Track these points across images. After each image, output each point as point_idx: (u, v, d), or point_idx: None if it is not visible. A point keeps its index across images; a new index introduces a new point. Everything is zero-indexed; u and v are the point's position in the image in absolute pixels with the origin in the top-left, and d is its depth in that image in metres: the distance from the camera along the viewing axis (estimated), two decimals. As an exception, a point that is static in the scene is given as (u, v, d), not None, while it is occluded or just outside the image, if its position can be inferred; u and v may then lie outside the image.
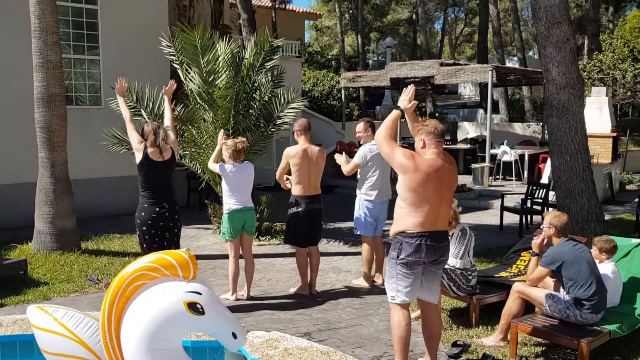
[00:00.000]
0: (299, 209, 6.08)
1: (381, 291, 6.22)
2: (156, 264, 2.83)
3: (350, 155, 6.90)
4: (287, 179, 6.23)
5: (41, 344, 3.01)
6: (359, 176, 6.47)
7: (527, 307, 4.90)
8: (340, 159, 6.32)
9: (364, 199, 6.36)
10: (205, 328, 2.91)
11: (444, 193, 4.04)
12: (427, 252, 3.98)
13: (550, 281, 4.92)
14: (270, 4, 25.28)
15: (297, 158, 6.05)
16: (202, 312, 2.78)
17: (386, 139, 4.10)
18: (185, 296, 2.78)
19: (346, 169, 6.32)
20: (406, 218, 4.00)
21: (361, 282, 6.59)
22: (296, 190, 6.12)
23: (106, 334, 2.83)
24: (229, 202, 5.92)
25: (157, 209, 5.25)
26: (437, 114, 23.41)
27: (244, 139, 6.26)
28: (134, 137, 5.36)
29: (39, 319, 3.02)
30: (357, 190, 6.45)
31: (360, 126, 6.45)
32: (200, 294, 2.79)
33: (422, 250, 3.96)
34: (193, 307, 2.77)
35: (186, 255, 2.84)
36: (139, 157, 5.25)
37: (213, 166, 6.07)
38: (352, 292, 6.37)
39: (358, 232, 6.53)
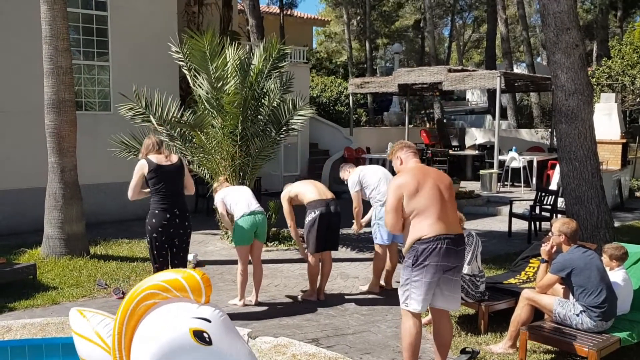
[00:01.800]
0: (316, 213, 6.06)
1: (389, 298, 6.21)
2: (168, 284, 2.60)
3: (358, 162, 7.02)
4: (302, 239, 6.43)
5: (77, 348, 3.01)
6: (368, 197, 6.56)
7: (536, 314, 4.87)
8: (356, 225, 6.76)
9: (380, 208, 6.35)
10: None
11: (440, 191, 4.06)
12: (444, 256, 3.93)
13: (559, 288, 4.88)
14: (278, 11, 25.39)
15: (290, 186, 6.43)
16: (210, 342, 2.46)
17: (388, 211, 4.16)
18: (192, 322, 2.49)
19: (356, 207, 6.57)
20: (418, 226, 3.98)
21: (369, 289, 6.58)
22: (309, 199, 6.14)
23: (116, 353, 2.69)
24: (239, 211, 5.92)
25: (168, 215, 5.25)
26: (444, 120, 23.39)
27: (220, 177, 6.81)
28: (134, 178, 5.35)
29: (76, 323, 3.00)
30: (372, 202, 6.52)
31: (340, 174, 6.90)
32: (209, 321, 2.49)
33: (440, 253, 3.92)
34: (199, 335, 2.47)
35: (199, 278, 2.57)
36: (147, 171, 5.27)
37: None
38: (360, 299, 6.36)
39: (376, 240, 6.51)
